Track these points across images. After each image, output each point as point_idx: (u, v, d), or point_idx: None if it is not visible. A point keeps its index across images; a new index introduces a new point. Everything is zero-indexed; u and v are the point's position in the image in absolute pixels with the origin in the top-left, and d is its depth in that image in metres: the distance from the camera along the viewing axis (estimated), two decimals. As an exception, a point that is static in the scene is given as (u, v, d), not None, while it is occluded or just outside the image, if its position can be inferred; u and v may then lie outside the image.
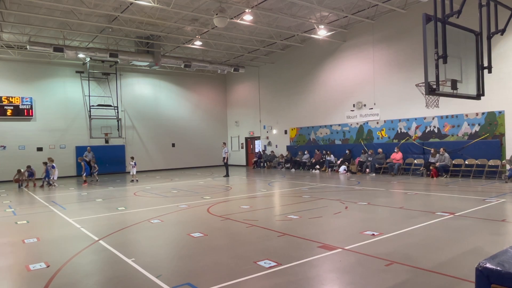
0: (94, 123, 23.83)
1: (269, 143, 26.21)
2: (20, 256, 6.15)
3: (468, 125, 15.70)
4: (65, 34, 19.03)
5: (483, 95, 6.40)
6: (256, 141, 27.95)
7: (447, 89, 5.84)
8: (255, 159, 26.25)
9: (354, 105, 20.20)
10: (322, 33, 19.40)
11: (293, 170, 22.56)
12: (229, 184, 16.25)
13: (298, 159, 22.84)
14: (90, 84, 23.93)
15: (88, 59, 22.47)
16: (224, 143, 20.82)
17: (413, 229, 7.00)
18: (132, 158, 18.72)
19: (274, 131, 25.80)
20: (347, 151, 20.13)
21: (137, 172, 19.04)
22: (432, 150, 16.09)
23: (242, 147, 28.89)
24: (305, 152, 22.49)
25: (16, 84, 21.70)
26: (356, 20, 18.72)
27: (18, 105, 21.50)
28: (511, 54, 14.27)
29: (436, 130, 16.80)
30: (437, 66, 5.41)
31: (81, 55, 20.21)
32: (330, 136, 21.76)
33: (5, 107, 21.12)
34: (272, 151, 25.49)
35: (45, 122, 22.46)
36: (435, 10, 5.46)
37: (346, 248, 5.86)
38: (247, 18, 17.06)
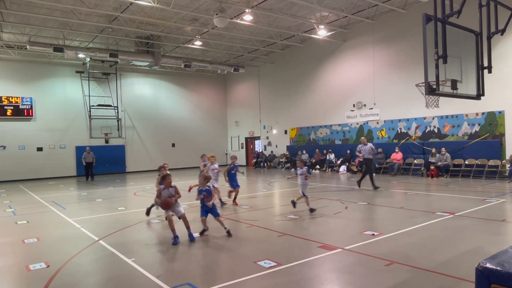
0: (94, 123, 23.83)
1: (269, 143, 26.21)
2: (20, 256, 6.14)
3: (468, 125, 15.69)
4: (65, 34, 19.03)
5: (483, 95, 6.40)
6: (256, 141, 27.94)
7: (447, 89, 5.85)
8: (254, 160, 26.27)
9: (354, 105, 20.19)
10: (322, 33, 19.40)
11: (293, 170, 22.55)
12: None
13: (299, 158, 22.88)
14: (90, 84, 23.93)
15: (88, 59, 22.46)
16: (365, 138, 13.65)
17: (413, 229, 7.00)
18: (214, 157, 10.62)
19: (274, 131, 25.80)
20: (348, 151, 20.14)
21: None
22: (433, 150, 16.09)
23: (242, 147, 28.89)
24: (303, 152, 22.55)
25: (16, 84, 21.70)
26: (356, 20, 18.72)
27: (18, 105, 21.50)
28: (511, 54, 14.27)
29: (436, 130, 16.80)
30: (437, 66, 5.41)
31: (81, 55, 20.21)
32: (330, 136, 21.76)
33: (5, 107, 21.11)
34: (272, 151, 25.51)
35: (45, 122, 22.46)
36: (435, 10, 5.46)
37: (346, 248, 5.85)
38: (247, 18, 17.05)
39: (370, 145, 12.80)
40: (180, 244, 6.51)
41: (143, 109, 26.07)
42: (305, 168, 9.21)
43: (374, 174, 12.76)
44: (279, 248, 5.99)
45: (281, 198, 12.04)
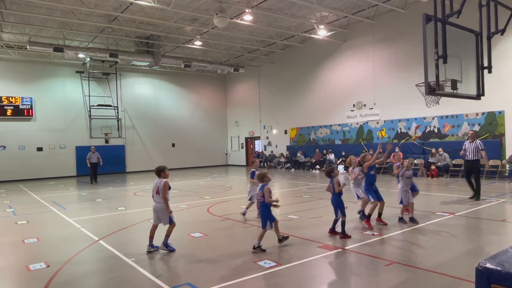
0: (94, 123, 23.82)
1: (269, 143, 26.21)
2: (20, 256, 6.14)
3: (468, 125, 15.69)
4: (65, 34, 19.03)
5: (483, 95, 6.41)
6: (256, 141, 27.94)
7: (447, 89, 5.85)
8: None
9: (354, 105, 20.19)
10: (322, 33, 19.39)
11: (293, 170, 22.55)
12: (229, 184, 16.23)
13: (298, 159, 22.87)
14: (90, 84, 23.92)
15: (88, 59, 22.45)
16: (474, 132, 10.46)
17: (413, 229, 7.00)
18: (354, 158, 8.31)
19: (274, 131, 25.80)
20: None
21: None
22: (433, 150, 16.09)
23: (242, 147, 28.89)
24: (298, 154, 22.71)
25: (16, 84, 21.69)
26: (356, 20, 18.71)
27: (18, 105, 21.49)
28: (511, 54, 14.27)
29: (436, 130, 16.80)
30: (437, 66, 5.41)
31: (81, 55, 20.21)
32: (330, 136, 21.76)
33: (5, 107, 21.10)
34: (272, 151, 25.51)
35: (45, 122, 22.45)
36: (435, 10, 5.46)
37: (346, 248, 5.86)
38: (247, 18, 17.05)
39: (478, 141, 9.91)
40: (180, 244, 6.51)
41: (143, 109, 26.06)
42: (412, 171, 7.41)
43: (473, 179, 9.84)
44: (279, 248, 5.99)
45: (281, 198, 12.02)
